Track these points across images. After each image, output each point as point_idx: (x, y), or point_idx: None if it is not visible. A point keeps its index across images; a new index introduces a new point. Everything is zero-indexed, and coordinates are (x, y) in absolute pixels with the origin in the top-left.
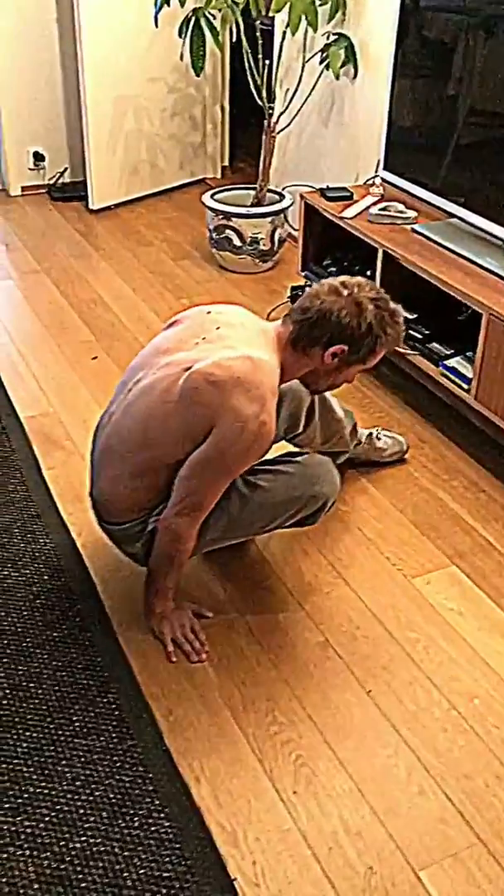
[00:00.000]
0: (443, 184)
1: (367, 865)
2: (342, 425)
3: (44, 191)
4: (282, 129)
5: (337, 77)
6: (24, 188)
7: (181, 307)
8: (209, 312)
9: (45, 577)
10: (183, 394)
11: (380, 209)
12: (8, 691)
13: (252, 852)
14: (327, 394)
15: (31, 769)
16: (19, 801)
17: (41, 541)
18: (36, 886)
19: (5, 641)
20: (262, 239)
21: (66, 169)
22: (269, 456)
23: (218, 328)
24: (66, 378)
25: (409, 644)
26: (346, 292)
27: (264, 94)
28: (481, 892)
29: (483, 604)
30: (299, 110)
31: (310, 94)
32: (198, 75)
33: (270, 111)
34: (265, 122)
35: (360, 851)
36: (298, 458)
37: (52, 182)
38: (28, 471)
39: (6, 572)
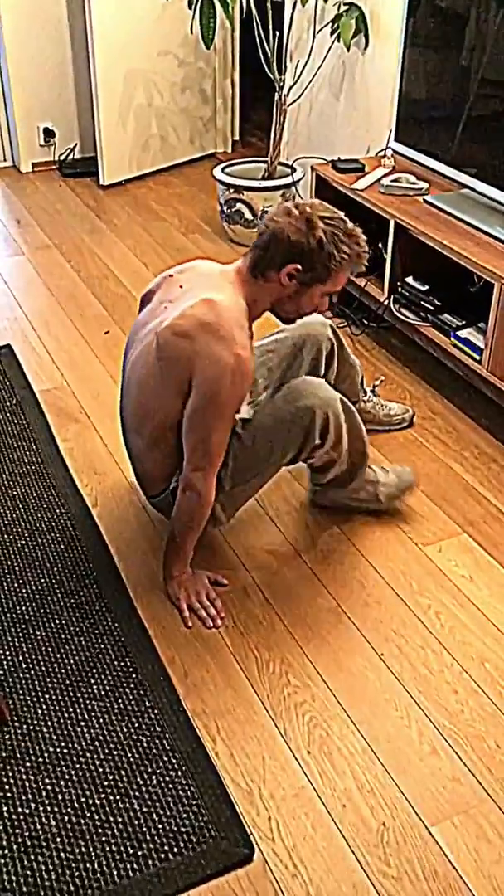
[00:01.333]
0: (454, 155)
1: (380, 822)
2: (355, 370)
3: (54, 167)
4: (293, 102)
5: (348, 48)
6: (34, 165)
7: None
8: (171, 276)
9: (62, 547)
10: (158, 354)
11: (391, 180)
12: (27, 655)
13: (268, 809)
14: (343, 339)
15: (51, 729)
16: (40, 759)
17: (57, 511)
18: (58, 840)
19: (24, 607)
20: (269, 208)
21: (76, 145)
22: None
23: (181, 286)
24: (78, 352)
25: (420, 610)
26: (297, 212)
27: (275, 66)
28: (491, 847)
29: (494, 571)
30: (310, 83)
31: (321, 65)
32: (208, 48)
33: (281, 84)
34: (276, 95)
35: (372, 808)
36: (283, 387)
37: (62, 158)
38: (43, 443)
39: (24, 542)
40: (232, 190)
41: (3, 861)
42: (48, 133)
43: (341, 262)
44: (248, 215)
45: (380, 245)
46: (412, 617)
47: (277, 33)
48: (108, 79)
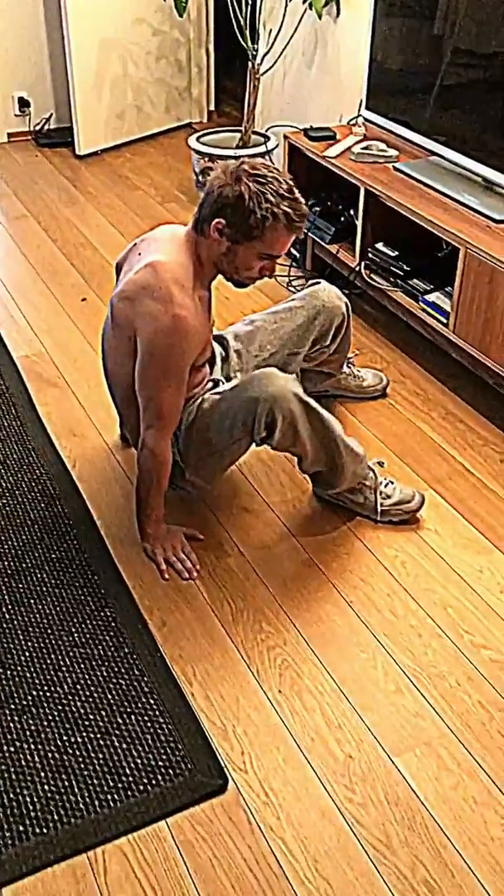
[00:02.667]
0: (424, 123)
1: (347, 754)
2: (348, 346)
3: (29, 137)
4: (266, 71)
5: (320, 16)
6: (9, 135)
7: None
8: (135, 245)
9: (42, 505)
10: (112, 321)
11: (362, 148)
12: (10, 606)
13: (241, 744)
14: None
15: (35, 674)
16: (24, 702)
17: (37, 472)
18: (42, 774)
19: (5, 562)
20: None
21: (51, 115)
22: None
23: (139, 254)
24: (56, 319)
25: (387, 560)
26: (232, 167)
27: (248, 34)
28: (450, 774)
29: (458, 523)
30: (283, 52)
31: (293, 34)
32: (181, 16)
33: (254, 52)
34: (249, 64)
35: (339, 742)
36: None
37: (37, 128)
38: (22, 408)
39: (5, 500)
40: (206, 158)
41: None
42: (23, 103)
43: (262, 219)
44: None
45: (350, 212)
46: (379, 566)
47: (250, 1)
48: (82, 48)
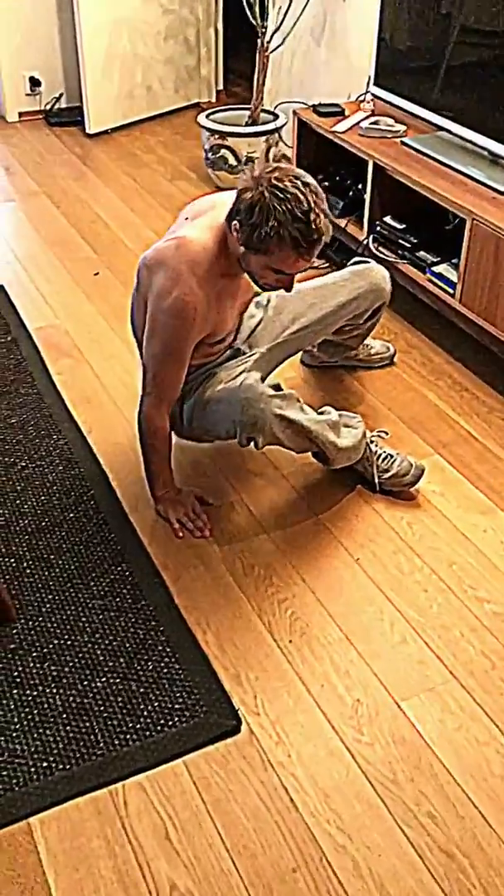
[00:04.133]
0: (431, 99)
1: (355, 698)
2: (374, 327)
3: (40, 116)
4: (275, 49)
5: None
6: (21, 114)
7: None
8: (191, 205)
9: (60, 468)
10: (136, 283)
11: (370, 123)
12: (31, 562)
13: (253, 688)
14: None
15: (55, 624)
16: (45, 650)
17: (54, 437)
18: (64, 716)
19: (26, 521)
20: (257, 158)
21: (61, 94)
22: None
23: (186, 217)
24: (70, 292)
25: (394, 521)
26: (260, 170)
27: (257, 11)
28: (454, 717)
29: (463, 486)
30: (292, 29)
31: (302, 11)
32: None
33: (264, 30)
34: (258, 42)
35: (348, 687)
36: (239, 382)
37: (48, 107)
38: (38, 376)
39: (23, 464)
40: (216, 136)
41: (16, 735)
42: (34, 82)
43: (266, 236)
44: (233, 161)
45: (358, 186)
46: (385, 526)
47: None
48: (93, 28)
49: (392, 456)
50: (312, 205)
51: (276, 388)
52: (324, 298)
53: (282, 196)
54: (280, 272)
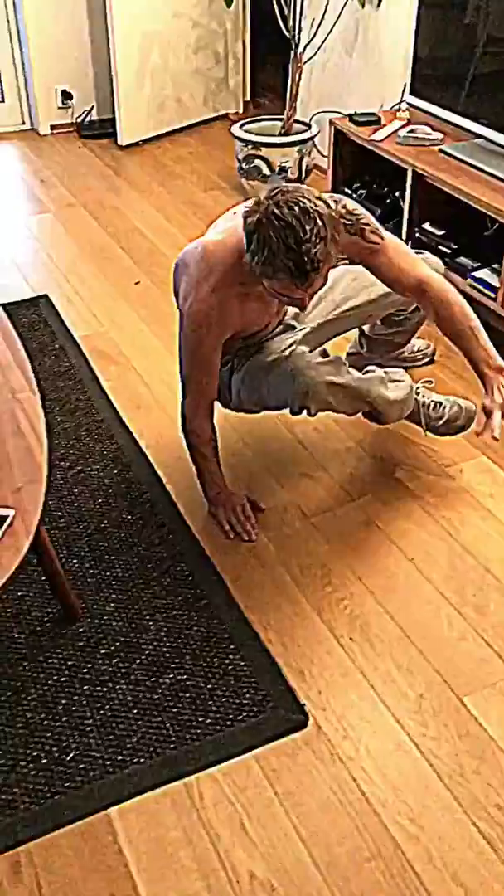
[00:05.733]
0: (468, 106)
1: (418, 693)
2: (423, 322)
3: (72, 129)
4: (308, 59)
5: (362, 5)
6: (52, 127)
7: None
8: (232, 210)
9: (115, 472)
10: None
11: (408, 132)
12: (93, 563)
13: (317, 684)
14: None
15: (120, 623)
16: (112, 648)
17: (106, 442)
18: (135, 711)
19: (85, 524)
20: (290, 167)
21: (92, 107)
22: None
23: (234, 213)
24: (112, 301)
25: (445, 521)
26: (266, 193)
27: (292, 23)
28: None
29: None
30: (324, 41)
31: (336, 21)
32: (229, 6)
33: (297, 41)
34: (292, 53)
35: (410, 683)
36: (288, 352)
37: (79, 120)
38: (88, 383)
39: (78, 468)
40: (250, 146)
41: (90, 729)
42: (66, 95)
43: (260, 264)
44: (266, 171)
45: (396, 194)
46: (437, 526)
47: None
48: (125, 41)
49: (441, 403)
50: (308, 234)
51: (324, 353)
52: (376, 282)
53: (277, 224)
54: (276, 294)
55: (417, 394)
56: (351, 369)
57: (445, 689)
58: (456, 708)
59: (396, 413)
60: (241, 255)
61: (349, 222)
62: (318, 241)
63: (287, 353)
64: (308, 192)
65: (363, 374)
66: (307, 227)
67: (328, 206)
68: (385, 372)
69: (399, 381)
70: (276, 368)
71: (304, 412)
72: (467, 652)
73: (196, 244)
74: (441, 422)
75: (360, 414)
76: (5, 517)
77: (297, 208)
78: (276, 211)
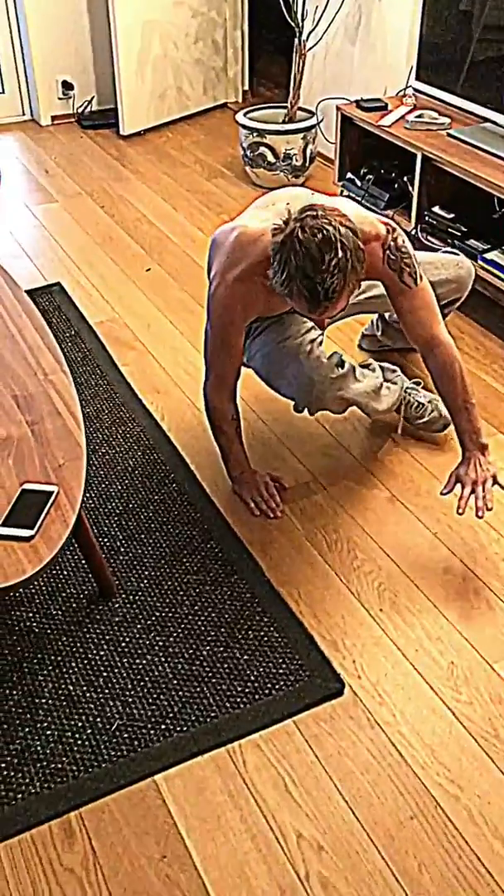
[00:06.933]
0: (475, 91)
1: (449, 661)
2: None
3: (73, 119)
4: (312, 47)
5: None
6: (54, 117)
7: (222, 222)
8: (277, 192)
9: (139, 454)
10: None
11: (415, 117)
12: (124, 541)
13: (351, 654)
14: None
15: (154, 598)
16: (148, 622)
17: (129, 425)
18: (175, 682)
19: (114, 503)
20: (294, 155)
21: (93, 97)
22: None
23: (262, 205)
24: (124, 288)
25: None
26: (296, 214)
27: (296, 10)
28: None
29: None
30: (327, 29)
31: (339, 9)
32: None
33: (300, 29)
34: (296, 40)
35: (441, 651)
36: (307, 349)
37: (80, 110)
38: (106, 368)
39: (104, 450)
40: (255, 134)
41: (132, 700)
42: (66, 86)
43: (279, 284)
44: (271, 158)
45: (404, 178)
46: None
47: None
48: (126, 30)
49: (423, 405)
50: (326, 265)
51: (340, 364)
52: (428, 270)
53: (298, 249)
54: (304, 315)
55: (406, 392)
56: (358, 371)
57: (475, 656)
58: (487, 674)
59: (382, 416)
60: (269, 256)
61: (393, 258)
62: (336, 272)
63: (306, 349)
64: (338, 218)
65: (363, 367)
66: (327, 258)
67: (355, 234)
68: (383, 369)
69: (393, 382)
70: (294, 367)
71: (305, 411)
72: (494, 620)
73: (233, 227)
74: (420, 422)
75: None
76: (51, 493)
77: (320, 235)
78: (300, 236)
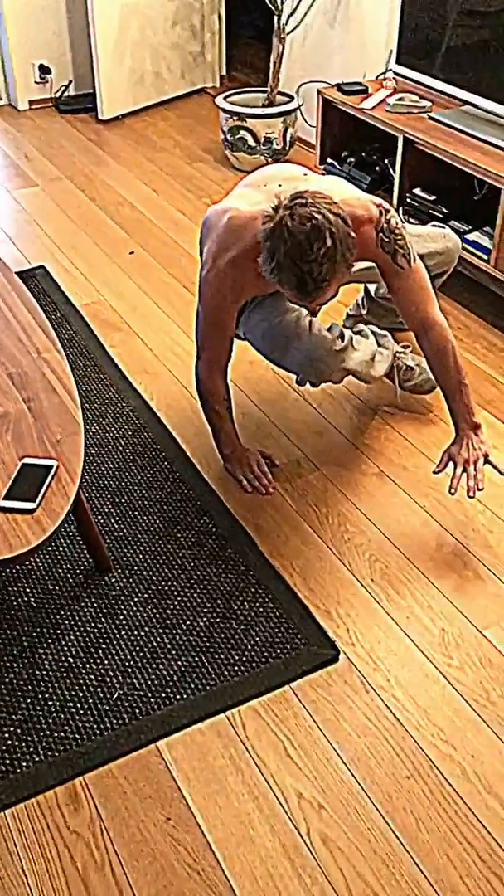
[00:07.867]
0: (455, 74)
1: (440, 628)
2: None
3: (50, 104)
4: (291, 31)
5: None
6: (31, 102)
7: (204, 206)
8: (271, 170)
9: (130, 433)
10: None
11: (396, 100)
12: (118, 518)
13: (345, 622)
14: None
15: (150, 573)
16: (145, 595)
17: (119, 405)
18: (173, 652)
19: (107, 481)
20: (275, 138)
21: (70, 82)
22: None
23: (256, 184)
24: (109, 271)
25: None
26: (286, 202)
27: None
28: None
29: None
30: (306, 13)
31: None
32: None
33: (279, 12)
34: (275, 24)
35: (432, 619)
36: (306, 325)
37: (58, 95)
38: (94, 349)
39: (94, 429)
40: (235, 118)
41: (132, 670)
42: (44, 70)
43: (268, 271)
44: (252, 142)
45: (385, 161)
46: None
47: None
48: (104, 14)
49: (412, 369)
50: (314, 254)
51: (340, 336)
52: (419, 242)
53: (286, 238)
54: (294, 301)
55: (396, 357)
56: (355, 340)
57: (465, 623)
58: (477, 640)
59: (377, 381)
60: (260, 242)
61: (386, 240)
62: (325, 261)
63: (305, 325)
64: (327, 205)
65: (355, 333)
66: (315, 246)
67: (345, 222)
68: (375, 335)
69: (385, 347)
70: (297, 341)
71: (308, 384)
72: (483, 589)
73: (224, 209)
74: (409, 384)
75: None
76: (50, 467)
77: (309, 224)
78: (289, 224)
